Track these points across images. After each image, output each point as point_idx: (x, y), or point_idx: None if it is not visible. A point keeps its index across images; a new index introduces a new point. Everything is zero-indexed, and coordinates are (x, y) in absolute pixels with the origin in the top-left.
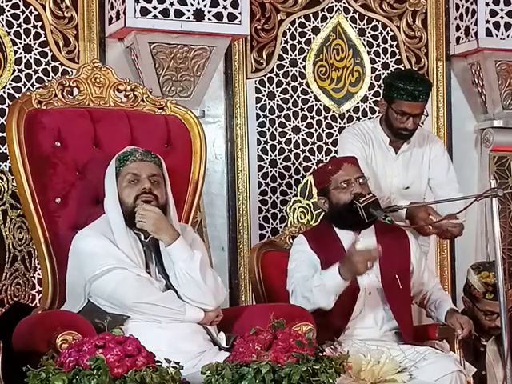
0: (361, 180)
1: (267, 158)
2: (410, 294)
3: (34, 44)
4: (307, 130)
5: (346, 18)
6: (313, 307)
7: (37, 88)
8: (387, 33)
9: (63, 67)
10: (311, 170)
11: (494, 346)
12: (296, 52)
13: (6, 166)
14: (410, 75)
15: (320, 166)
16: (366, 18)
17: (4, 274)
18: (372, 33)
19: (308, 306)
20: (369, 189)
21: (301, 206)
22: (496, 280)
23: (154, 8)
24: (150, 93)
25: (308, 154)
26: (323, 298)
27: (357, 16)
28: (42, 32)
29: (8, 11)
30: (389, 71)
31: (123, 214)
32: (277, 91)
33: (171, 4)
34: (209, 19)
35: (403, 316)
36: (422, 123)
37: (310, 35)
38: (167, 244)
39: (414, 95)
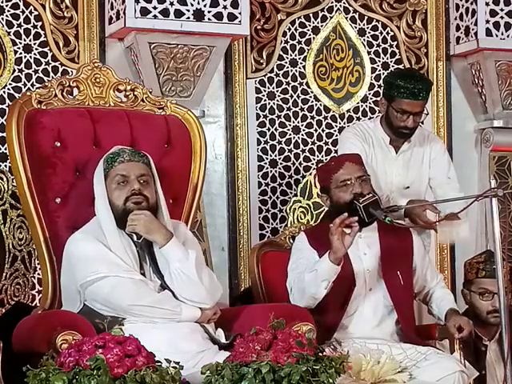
0: (363, 178)
1: (267, 158)
2: (412, 290)
3: (34, 44)
4: (307, 130)
5: (346, 18)
6: (308, 300)
7: (37, 88)
8: (387, 33)
9: (63, 67)
10: (311, 170)
11: (496, 346)
12: (296, 52)
13: (6, 166)
14: (409, 74)
15: (323, 163)
16: (365, 17)
17: (4, 274)
18: (372, 33)
19: (304, 300)
20: (370, 188)
21: (301, 206)
22: (497, 280)
23: (154, 8)
24: (150, 93)
25: (308, 154)
26: (314, 285)
27: (357, 16)
28: (42, 32)
29: (8, 11)
30: (389, 71)
31: (114, 216)
32: (277, 91)
33: (171, 4)
34: (209, 19)
35: (405, 311)
36: (423, 122)
37: (310, 35)
38: (161, 245)
39: (414, 93)
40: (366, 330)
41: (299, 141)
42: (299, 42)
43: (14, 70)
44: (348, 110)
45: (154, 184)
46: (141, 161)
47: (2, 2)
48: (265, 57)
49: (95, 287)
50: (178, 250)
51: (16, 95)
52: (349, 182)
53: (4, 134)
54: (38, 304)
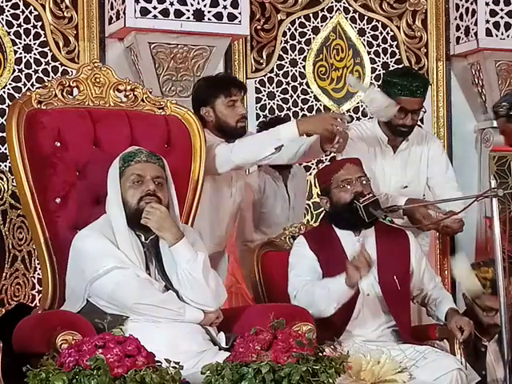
0: (363, 180)
1: None
2: (409, 295)
3: (34, 44)
4: None
5: (346, 18)
6: (313, 312)
7: (37, 88)
8: (387, 33)
9: (63, 67)
10: (311, 170)
11: (495, 346)
12: (296, 52)
13: (6, 166)
14: (406, 72)
15: (323, 165)
16: (365, 17)
17: (4, 274)
18: (372, 33)
19: (310, 311)
20: (370, 189)
21: None
22: (496, 277)
23: (154, 8)
24: (150, 93)
25: None
26: (324, 303)
27: (357, 16)
28: (41, 32)
29: (8, 11)
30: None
31: (125, 215)
32: (277, 91)
33: (171, 4)
34: (209, 19)
35: (402, 317)
36: (422, 121)
37: (309, 35)
38: (170, 244)
39: (411, 91)
40: (367, 334)
41: None
42: (299, 42)
43: (14, 70)
44: (348, 110)
45: (168, 187)
46: (157, 163)
47: (2, 2)
48: (265, 57)
49: (100, 283)
50: (187, 251)
51: (16, 95)
52: (349, 182)
53: (4, 134)
54: (38, 304)
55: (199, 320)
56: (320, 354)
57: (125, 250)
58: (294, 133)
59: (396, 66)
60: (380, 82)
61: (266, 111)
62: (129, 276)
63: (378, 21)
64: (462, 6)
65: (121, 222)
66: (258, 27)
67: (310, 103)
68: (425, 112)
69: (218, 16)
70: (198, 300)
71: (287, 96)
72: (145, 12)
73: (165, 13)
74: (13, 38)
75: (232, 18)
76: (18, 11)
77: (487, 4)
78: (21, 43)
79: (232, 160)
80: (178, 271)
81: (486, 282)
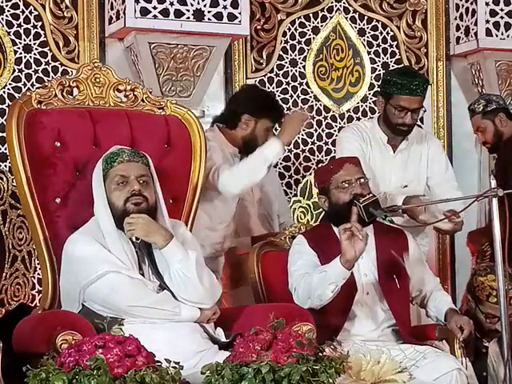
0: (362, 180)
1: None
2: (408, 294)
3: (34, 44)
4: (307, 130)
5: (346, 18)
6: (312, 301)
7: (37, 88)
8: (387, 33)
9: (63, 67)
10: (311, 170)
11: (496, 346)
12: (296, 52)
13: (6, 166)
14: (406, 71)
15: (322, 165)
16: (365, 18)
17: (4, 274)
18: (372, 33)
19: (309, 301)
20: (369, 189)
21: (301, 206)
22: (497, 280)
23: (154, 8)
24: (150, 93)
25: (308, 154)
26: (321, 287)
27: (357, 16)
28: (42, 32)
29: (8, 11)
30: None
31: (113, 217)
32: (277, 91)
33: (171, 4)
34: (209, 19)
35: (402, 316)
36: (422, 121)
37: (309, 35)
38: (161, 246)
39: (411, 89)
40: (366, 332)
41: (299, 141)
42: (299, 42)
43: (14, 70)
44: (348, 110)
45: (153, 184)
46: (140, 161)
47: (2, 2)
48: (265, 57)
49: (94, 288)
50: (178, 251)
51: (16, 95)
52: (349, 183)
53: (4, 134)
54: (38, 304)
55: (196, 318)
56: (320, 354)
57: (116, 253)
58: (280, 150)
59: (396, 66)
60: (380, 81)
61: None
62: (122, 279)
63: (378, 21)
64: (462, 6)
65: (109, 225)
66: (258, 27)
67: (310, 103)
68: (425, 111)
69: (218, 16)
70: (193, 298)
71: (287, 96)
72: (145, 12)
73: (165, 13)
74: (13, 37)
75: (232, 18)
76: (18, 11)
77: (487, 4)
78: (21, 43)
79: (234, 194)
80: (170, 271)
81: (493, 292)
